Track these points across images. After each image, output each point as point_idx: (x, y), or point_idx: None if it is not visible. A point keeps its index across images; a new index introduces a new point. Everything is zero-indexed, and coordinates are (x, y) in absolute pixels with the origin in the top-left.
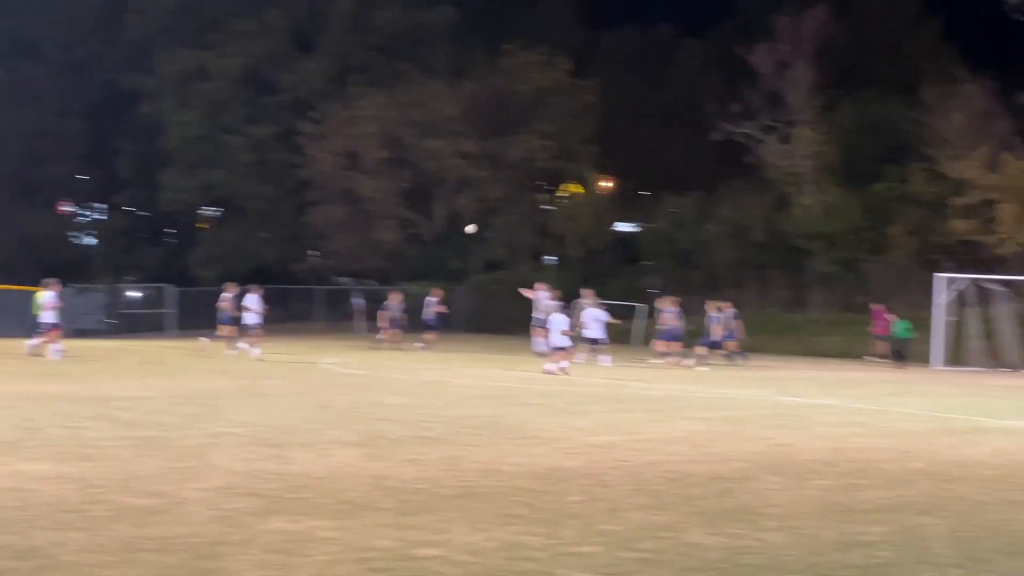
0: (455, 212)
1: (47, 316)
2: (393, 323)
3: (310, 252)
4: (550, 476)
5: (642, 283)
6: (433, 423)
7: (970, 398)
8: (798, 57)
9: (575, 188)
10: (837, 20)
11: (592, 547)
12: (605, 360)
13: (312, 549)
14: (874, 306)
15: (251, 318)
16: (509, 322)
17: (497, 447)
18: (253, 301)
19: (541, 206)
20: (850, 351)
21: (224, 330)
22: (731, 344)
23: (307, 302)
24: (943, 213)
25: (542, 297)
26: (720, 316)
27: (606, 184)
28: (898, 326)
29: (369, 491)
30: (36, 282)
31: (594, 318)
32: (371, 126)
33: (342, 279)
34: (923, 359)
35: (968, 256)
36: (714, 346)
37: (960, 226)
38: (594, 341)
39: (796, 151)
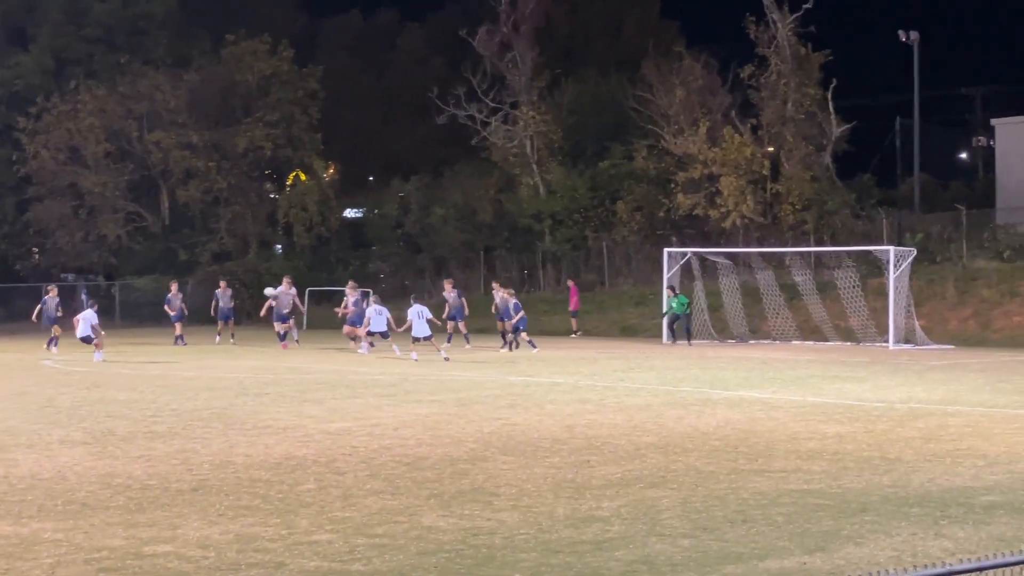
0: (182, 204)
1: None
2: (179, 315)
3: (34, 250)
4: (283, 465)
5: (370, 268)
6: (162, 417)
7: (697, 370)
8: (519, 38)
9: (301, 176)
10: (556, 1)
11: (327, 535)
12: (364, 349)
13: (38, 552)
14: (570, 283)
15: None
16: (239, 313)
17: (228, 439)
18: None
19: (268, 195)
20: (579, 329)
21: (56, 329)
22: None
23: (32, 301)
24: (668, 189)
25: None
26: (512, 299)
27: (331, 171)
28: (674, 302)
29: (98, 490)
30: None
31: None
32: (92, 120)
33: (67, 276)
34: (654, 334)
35: (694, 230)
36: (518, 329)
37: (685, 201)
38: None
39: (520, 132)
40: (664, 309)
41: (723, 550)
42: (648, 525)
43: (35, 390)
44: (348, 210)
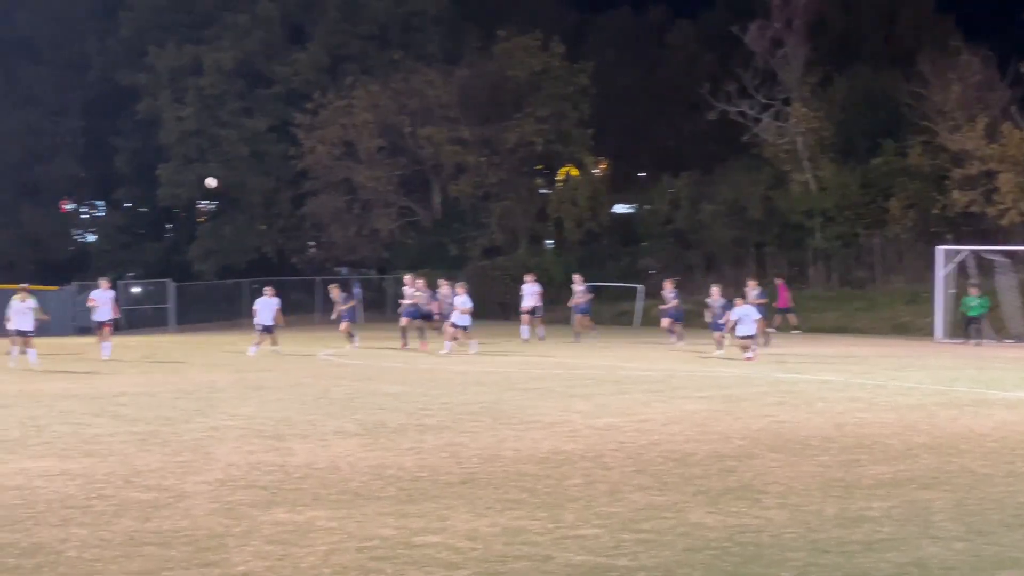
0: (453, 199)
1: (100, 313)
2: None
3: (309, 243)
4: (550, 460)
5: (640, 264)
6: (432, 411)
7: (973, 370)
8: (791, 34)
9: (572, 171)
10: None
11: (593, 529)
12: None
13: (313, 539)
14: (778, 280)
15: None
16: (507, 308)
17: (497, 433)
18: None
19: (538, 190)
20: (850, 326)
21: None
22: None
23: (306, 293)
24: (942, 185)
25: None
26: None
27: (602, 166)
28: (973, 301)
29: (370, 480)
30: (38, 280)
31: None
32: (366, 115)
33: (342, 269)
34: (927, 332)
35: (969, 228)
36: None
37: (960, 198)
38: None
39: (791, 128)
40: (970, 308)
41: (999, 555)
42: (920, 527)
43: (311, 382)
44: (618, 205)
